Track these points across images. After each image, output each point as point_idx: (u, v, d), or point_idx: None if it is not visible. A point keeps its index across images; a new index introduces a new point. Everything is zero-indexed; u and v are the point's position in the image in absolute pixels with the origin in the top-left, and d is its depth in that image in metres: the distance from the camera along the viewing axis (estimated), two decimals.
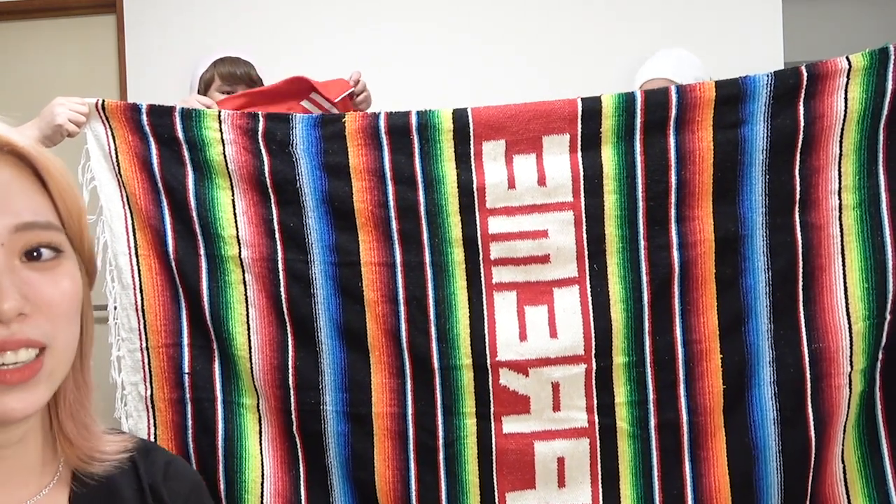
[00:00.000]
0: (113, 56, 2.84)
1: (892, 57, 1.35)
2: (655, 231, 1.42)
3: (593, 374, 1.44)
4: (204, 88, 2.00)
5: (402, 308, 1.47)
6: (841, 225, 1.39)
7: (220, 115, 1.50)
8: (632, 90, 1.47)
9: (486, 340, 1.45)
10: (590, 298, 1.44)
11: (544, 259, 1.45)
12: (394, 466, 1.47)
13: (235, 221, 1.49)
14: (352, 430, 1.48)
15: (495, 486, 1.46)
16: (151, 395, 1.52)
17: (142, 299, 1.51)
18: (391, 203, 1.47)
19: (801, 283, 1.41)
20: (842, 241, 1.40)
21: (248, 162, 1.49)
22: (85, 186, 1.50)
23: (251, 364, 1.49)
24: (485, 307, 1.46)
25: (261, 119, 1.49)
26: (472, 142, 1.46)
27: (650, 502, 1.44)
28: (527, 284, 1.46)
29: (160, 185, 1.50)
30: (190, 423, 1.51)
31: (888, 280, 1.37)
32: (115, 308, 1.52)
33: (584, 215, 1.44)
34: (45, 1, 2.86)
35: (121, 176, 1.51)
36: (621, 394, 1.44)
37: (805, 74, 1.38)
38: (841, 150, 1.39)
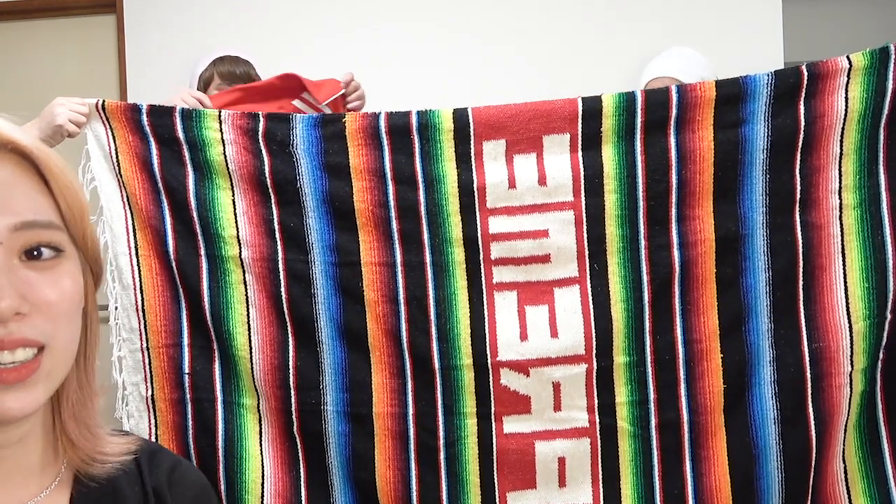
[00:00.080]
0: (113, 56, 2.84)
1: (893, 56, 1.35)
2: (656, 231, 1.42)
3: (594, 374, 1.44)
4: (203, 87, 2.00)
5: (402, 308, 1.47)
6: (841, 224, 1.39)
7: (220, 116, 1.50)
8: (633, 90, 1.47)
9: (487, 340, 1.45)
10: (590, 298, 1.44)
11: (545, 259, 1.45)
12: (395, 466, 1.47)
13: (236, 221, 1.49)
14: (352, 430, 1.48)
15: (496, 486, 1.46)
16: (152, 395, 1.52)
17: (142, 299, 1.51)
18: (391, 203, 1.47)
19: (801, 283, 1.41)
20: (842, 240, 1.40)
21: (249, 162, 1.49)
22: (85, 187, 1.50)
23: (251, 364, 1.49)
24: (485, 307, 1.46)
25: (261, 119, 1.49)
26: (472, 141, 1.46)
27: (651, 502, 1.44)
28: (527, 284, 1.46)
29: (160, 185, 1.50)
30: (190, 423, 1.51)
31: (888, 279, 1.37)
32: (116, 308, 1.52)
33: (584, 215, 1.44)
34: (45, 1, 2.86)
35: (121, 176, 1.51)
36: (622, 393, 1.44)
37: (805, 74, 1.38)
38: (841, 150, 1.39)
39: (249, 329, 1.49)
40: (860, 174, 1.39)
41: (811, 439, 1.39)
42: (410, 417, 1.47)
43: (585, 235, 1.44)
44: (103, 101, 1.51)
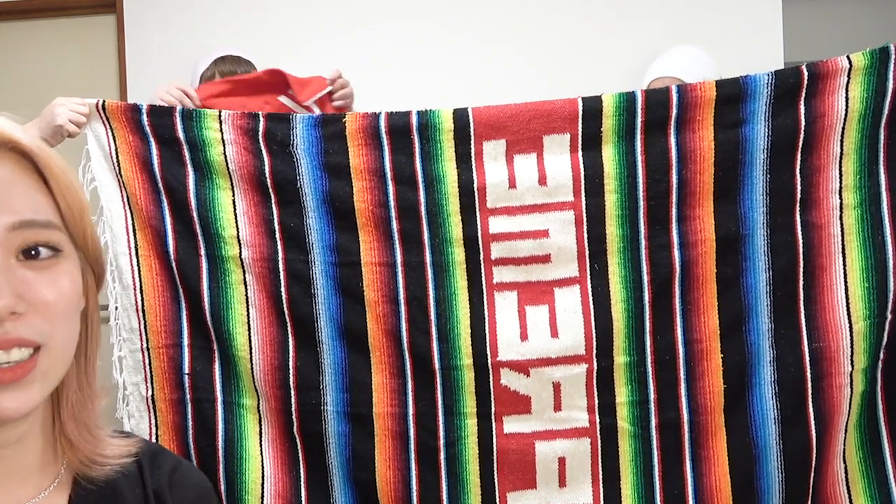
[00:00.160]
0: (113, 56, 2.84)
1: (893, 56, 1.35)
2: (656, 230, 1.42)
3: (594, 374, 1.44)
4: None
5: (402, 308, 1.47)
6: (842, 224, 1.39)
7: (220, 116, 1.50)
8: (633, 89, 1.47)
9: (487, 340, 1.45)
10: (591, 298, 1.44)
11: (545, 259, 1.45)
12: (395, 467, 1.47)
13: (236, 221, 1.49)
14: (352, 430, 1.48)
15: (496, 486, 1.46)
16: (152, 395, 1.52)
17: (142, 300, 1.51)
18: (392, 203, 1.47)
19: (801, 283, 1.41)
20: (842, 240, 1.40)
21: (249, 162, 1.49)
22: (85, 187, 1.50)
23: (251, 364, 1.49)
24: (485, 307, 1.46)
25: (261, 119, 1.49)
26: (472, 141, 1.45)
27: (651, 502, 1.44)
28: (527, 284, 1.46)
29: (161, 185, 1.50)
30: (190, 423, 1.51)
31: (889, 279, 1.37)
32: (116, 308, 1.52)
33: (584, 215, 1.44)
34: (45, 1, 2.86)
35: (121, 176, 1.51)
36: (622, 393, 1.44)
37: (806, 74, 1.38)
38: (842, 150, 1.39)
39: (249, 329, 1.49)
40: (860, 174, 1.39)
41: (811, 439, 1.39)
42: (410, 417, 1.47)
43: (586, 235, 1.44)
44: (103, 102, 1.51)
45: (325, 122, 1.49)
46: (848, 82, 1.37)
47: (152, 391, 1.52)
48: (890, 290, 1.37)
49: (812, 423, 1.39)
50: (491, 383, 1.45)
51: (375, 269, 1.47)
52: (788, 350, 1.40)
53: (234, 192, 1.50)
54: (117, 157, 1.51)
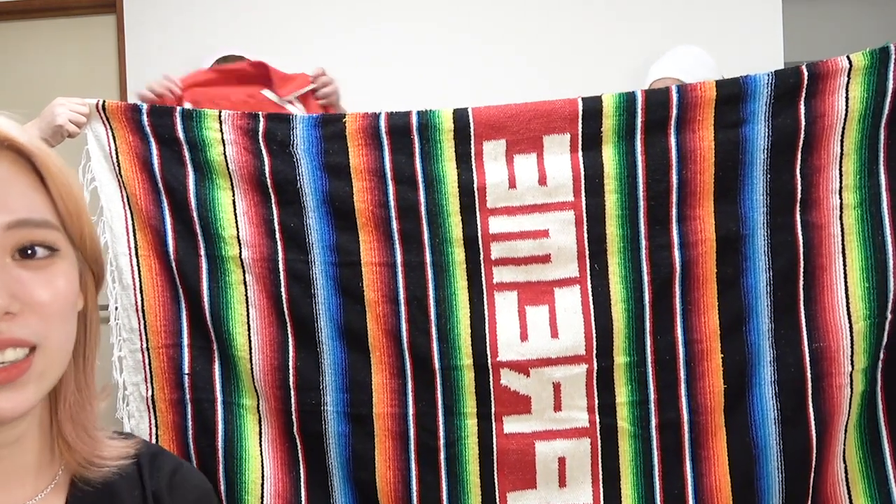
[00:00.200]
0: (113, 56, 2.84)
1: (893, 56, 1.35)
2: (656, 231, 1.42)
3: (594, 374, 1.44)
4: None
5: (402, 308, 1.47)
6: (842, 224, 1.39)
7: (220, 116, 1.50)
8: (633, 89, 1.47)
9: (487, 340, 1.45)
10: (591, 298, 1.44)
11: (545, 259, 1.45)
12: (395, 467, 1.47)
13: (236, 222, 1.49)
14: (352, 430, 1.48)
15: (496, 486, 1.46)
16: (152, 395, 1.52)
17: (142, 300, 1.51)
18: (392, 203, 1.47)
19: (801, 283, 1.41)
20: (843, 240, 1.40)
21: (249, 162, 1.49)
22: (85, 187, 1.50)
23: (251, 365, 1.49)
24: (486, 307, 1.46)
25: (261, 119, 1.49)
26: (472, 141, 1.45)
27: (651, 502, 1.44)
28: (528, 284, 1.46)
29: (161, 185, 1.50)
30: (190, 423, 1.51)
31: (889, 279, 1.37)
32: (116, 308, 1.52)
33: (584, 215, 1.44)
34: (45, 1, 2.87)
35: (121, 176, 1.51)
36: (622, 394, 1.44)
37: (806, 74, 1.38)
38: (842, 150, 1.39)
39: (249, 329, 1.49)
40: (860, 174, 1.39)
41: (811, 439, 1.39)
42: (411, 418, 1.47)
43: (586, 235, 1.44)
44: (104, 102, 1.51)
45: (326, 123, 1.49)
46: (848, 82, 1.37)
47: (152, 391, 1.52)
48: (890, 290, 1.37)
49: (812, 423, 1.39)
50: (491, 383, 1.45)
51: (375, 269, 1.47)
52: (788, 350, 1.40)
53: (234, 192, 1.49)
54: (117, 157, 1.51)
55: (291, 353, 1.49)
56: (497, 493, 1.46)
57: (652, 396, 1.43)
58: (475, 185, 1.45)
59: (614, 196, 1.43)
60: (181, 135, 1.49)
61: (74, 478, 0.66)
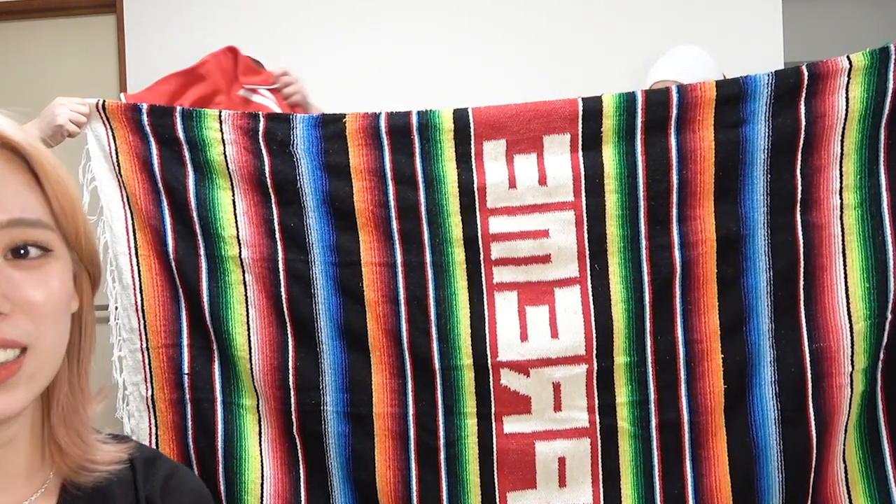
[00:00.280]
0: (113, 56, 2.83)
1: (893, 56, 1.35)
2: (657, 231, 1.42)
3: (594, 375, 1.44)
4: None
5: (402, 308, 1.46)
6: (842, 224, 1.39)
7: (220, 116, 1.50)
8: (633, 90, 1.47)
9: (487, 340, 1.45)
10: (591, 298, 1.44)
11: (545, 259, 1.45)
12: (395, 467, 1.47)
13: (236, 221, 1.49)
14: (352, 430, 1.48)
15: (496, 486, 1.46)
16: (152, 395, 1.52)
17: (142, 299, 1.51)
18: (392, 203, 1.46)
19: (802, 283, 1.41)
20: (843, 240, 1.40)
21: (249, 162, 1.49)
22: (85, 187, 1.51)
23: (251, 365, 1.49)
24: (486, 307, 1.46)
25: (261, 119, 1.49)
26: (472, 141, 1.45)
27: (651, 502, 1.44)
28: (528, 284, 1.46)
29: (160, 185, 1.50)
30: (190, 423, 1.51)
31: (889, 279, 1.37)
32: (116, 308, 1.52)
33: (585, 215, 1.44)
34: (45, 1, 2.86)
35: (121, 176, 1.51)
36: (622, 394, 1.44)
37: (806, 74, 1.38)
38: (842, 150, 1.39)
39: (249, 329, 1.49)
40: (861, 174, 1.39)
41: (812, 439, 1.39)
42: (410, 417, 1.47)
43: (586, 235, 1.44)
44: (104, 101, 1.51)
45: (326, 122, 1.49)
46: (848, 82, 1.37)
47: (152, 391, 1.52)
48: (890, 291, 1.37)
49: (812, 423, 1.39)
50: (491, 383, 1.45)
51: (375, 269, 1.47)
52: (789, 350, 1.40)
53: (234, 191, 1.49)
54: (117, 157, 1.51)
55: (291, 353, 1.49)
56: (497, 493, 1.46)
57: (652, 396, 1.43)
58: (475, 185, 1.45)
59: (614, 196, 1.43)
60: (181, 134, 1.49)
61: (65, 482, 0.65)
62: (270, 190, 1.49)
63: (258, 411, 1.51)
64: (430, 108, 1.47)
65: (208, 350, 1.51)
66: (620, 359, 1.43)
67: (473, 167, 1.45)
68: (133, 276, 1.51)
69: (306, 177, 1.48)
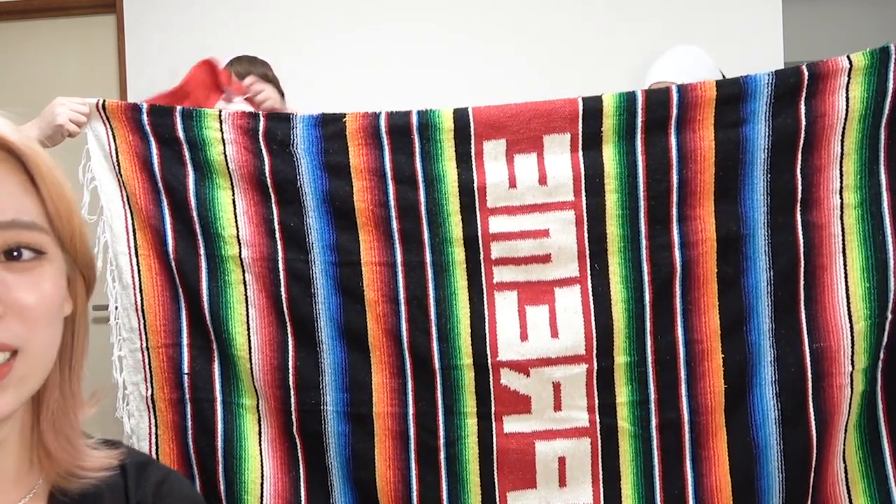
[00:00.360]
0: (113, 56, 2.84)
1: (893, 56, 1.35)
2: (657, 230, 1.42)
3: (594, 374, 1.44)
4: None
5: (402, 308, 1.46)
6: (842, 224, 1.39)
7: (220, 115, 1.50)
8: (633, 89, 1.47)
9: (487, 340, 1.45)
10: (591, 298, 1.44)
11: (545, 258, 1.45)
12: (395, 466, 1.47)
13: (236, 221, 1.49)
14: (352, 430, 1.48)
15: (496, 486, 1.46)
16: (152, 395, 1.52)
17: (141, 299, 1.51)
18: (392, 202, 1.46)
19: (802, 283, 1.41)
20: (843, 240, 1.40)
21: (249, 161, 1.49)
22: (86, 186, 1.50)
23: (251, 364, 1.49)
24: (486, 307, 1.46)
25: (261, 119, 1.49)
26: (472, 141, 1.45)
27: (651, 502, 1.44)
28: (528, 284, 1.46)
29: (160, 184, 1.50)
30: (189, 423, 1.51)
31: (889, 279, 1.37)
32: (116, 308, 1.52)
33: (585, 214, 1.44)
34: (45, 1, 2.87)
35: (121, 176, 1.51)
36: (622, 393, 1.44)
37: (806, 74, 1.38)
38: (842, 150, 1.39)
39: (249, 329, 1.49)
40: (861, 174, 1.39)
41: (812, 439, 1.39)
42: (410, 417, 1.47)
43: (586, 235, 1.44)
44: (104, 101, 1.51)
45: (326, 122, 1.49)
46: (848, 82, 1.37)
47: (152, 391, 1.52)
48: (890, 290, 1.37)
49: (812, 423, 1.39)
50: (491, 383, 1.45)
51: (375, 269, 1.47)
52: (789, 350, 1.40)
53: (234, 191, 1.49)
54: (117, 157, 1.51)
55: (291, 353, 1.49)
56: (497, 493, 1.46)
57: (652, 396, 1.43)
58: (475, 185, 1.45)
59: (615, 196, 1.43)
60: (181, 134, 1.49)
61: (54, 488, 0.64)
62: (270, 189, 1.49)
63: (258, 411, 1.51)
64: (430, 107, 1.47)
65: (208, 350, 1.51)
66: (620, 358, 1.43)
67: (473, 167, 1.45)
68: (133, 276, 1.51)
69: (306, 176, 1.48)
